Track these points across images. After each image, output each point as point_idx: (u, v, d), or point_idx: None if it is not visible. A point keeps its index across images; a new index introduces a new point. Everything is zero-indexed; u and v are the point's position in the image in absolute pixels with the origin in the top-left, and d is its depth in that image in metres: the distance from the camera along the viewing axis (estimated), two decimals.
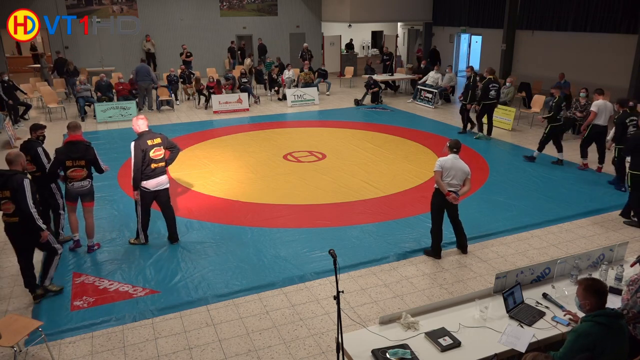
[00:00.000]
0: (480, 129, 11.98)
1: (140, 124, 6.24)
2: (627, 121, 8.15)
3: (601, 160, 9.34)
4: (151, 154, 6.17)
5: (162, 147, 6.31)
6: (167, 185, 6.52)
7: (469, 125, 12.52)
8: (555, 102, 9.55)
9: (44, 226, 5.18)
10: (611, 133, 8.65)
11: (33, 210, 5.05)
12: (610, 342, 3.16)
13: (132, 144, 6.17)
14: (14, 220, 5.11)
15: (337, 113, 15.00)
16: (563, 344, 3.29)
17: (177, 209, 7.76)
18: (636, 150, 6.94)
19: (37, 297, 5.39)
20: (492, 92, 11.45)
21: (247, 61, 19.48)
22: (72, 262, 6.22)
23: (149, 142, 6.18)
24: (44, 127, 6.71)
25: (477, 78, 12.11)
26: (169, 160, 6.49)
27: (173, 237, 6.71)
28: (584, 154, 9.48)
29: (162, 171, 6.38)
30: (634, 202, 7.12)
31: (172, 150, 6.53)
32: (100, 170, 6.42)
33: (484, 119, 11.98)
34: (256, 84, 18.14)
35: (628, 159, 7.32)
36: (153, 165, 6.23)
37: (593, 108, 9.06)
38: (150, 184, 6.28)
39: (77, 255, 6.38)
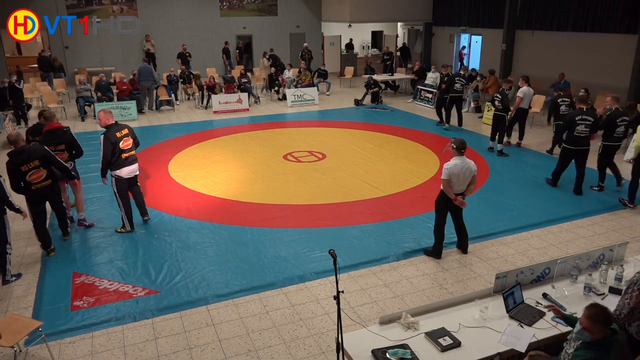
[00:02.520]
0: (448, 121, 12.84)
1: (108, 117, 6.59)
2: (559, 101, 10.27)
3: (521, 137, 11.17)
4: (121, 145, 6.56)
5: (130, 138, 6.70)
6: (137, 172, 6.97)
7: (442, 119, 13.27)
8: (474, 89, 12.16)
9: (74, 174, 6.75)
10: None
11: (65, 163, 6.28)
12: (613, 358, 3.18)
13: (102, 137, 6.52)
14: (47, 184, 6.10)
15: (337, 113, 15.00)
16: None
17: (177, 209, 7.79)
18: (569, 128, 8.14)
19: (52, 250, 6.35)
20: (457, 85, 12.35)
21: (265, 62, 18.98)
22: (72, 262, 6.22)
23: (118, 134, 6.55)
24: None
25: (446, 78, 12.89)
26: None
27: (144, 215, 7.23)
28: (509, 133, 11.05)
29: (134, 160, 6.79)
30: (558, 169, 8.57)
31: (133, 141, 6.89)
32: (80, 151, 6.95)
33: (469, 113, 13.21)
34: (268, 90, 17.85)
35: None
36: (124, 155, 6.63)
37: (519, 94, 10.54)
38: (124, 172, 6.69)
39: (77, 255, 6.38)
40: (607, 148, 8.24)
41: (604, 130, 8.23)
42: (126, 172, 6.69)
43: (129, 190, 6.92)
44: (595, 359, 3.14)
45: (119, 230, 6.98)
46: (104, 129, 6.60)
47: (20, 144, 5.91)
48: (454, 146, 5.86)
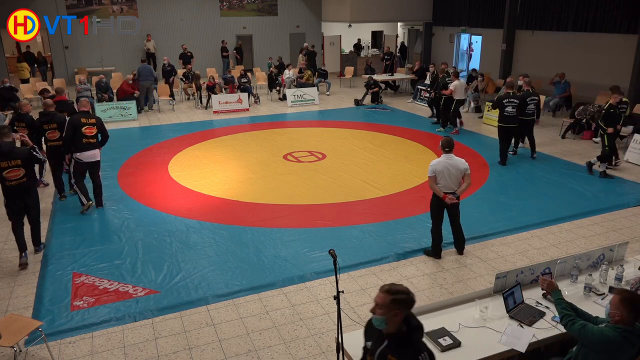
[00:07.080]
0: (454, 123, 12.76)
1: (84, 104, 7.65)
2: (504, 101, 10.75)
3: (457, 122, 12.60)
4: (83, 129, 7.35)
5: (95, 127, 7.49)
6: (99, 159, 7.68)
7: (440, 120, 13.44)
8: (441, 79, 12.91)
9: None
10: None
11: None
12: (626, 355, 3.19)
13: (68, 119, 7.53)
14: (59, 144, 7.67)
15: (337, 113, 15.00)
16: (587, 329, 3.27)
17: (177, 209, 7.80)
18: (500, 110, 9.61)
19: (63, 196, 8.14)
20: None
21: (301, 58, 18.88)
22: (72, 262, 6.22)
23: (83, 120, 7.38)
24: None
25: (437, 75, 13.41)
26: (101, 143, 7.74)
27: (98, 202, 7.84)
28: (458, 123, 12.59)
29: (94, 146, 7.53)
30: (502, 147, 9.79)
31: (103, 136, 7.73)
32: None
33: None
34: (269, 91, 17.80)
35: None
36: (84, 140, 7.38)
37: (451, 87, 12.06)
38: (84, 156, 7.45)
39: (77, 255, 6.39)
40: (520, 121, 9.79)
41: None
42: (86, 156, 7.45)
43: (91, 177, 7.71)
44: (613, 338, 3.14)
45: (82, 211, 7.58)
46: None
47: (49, 110, 7.71)
48: (440, 144, 5.97)
